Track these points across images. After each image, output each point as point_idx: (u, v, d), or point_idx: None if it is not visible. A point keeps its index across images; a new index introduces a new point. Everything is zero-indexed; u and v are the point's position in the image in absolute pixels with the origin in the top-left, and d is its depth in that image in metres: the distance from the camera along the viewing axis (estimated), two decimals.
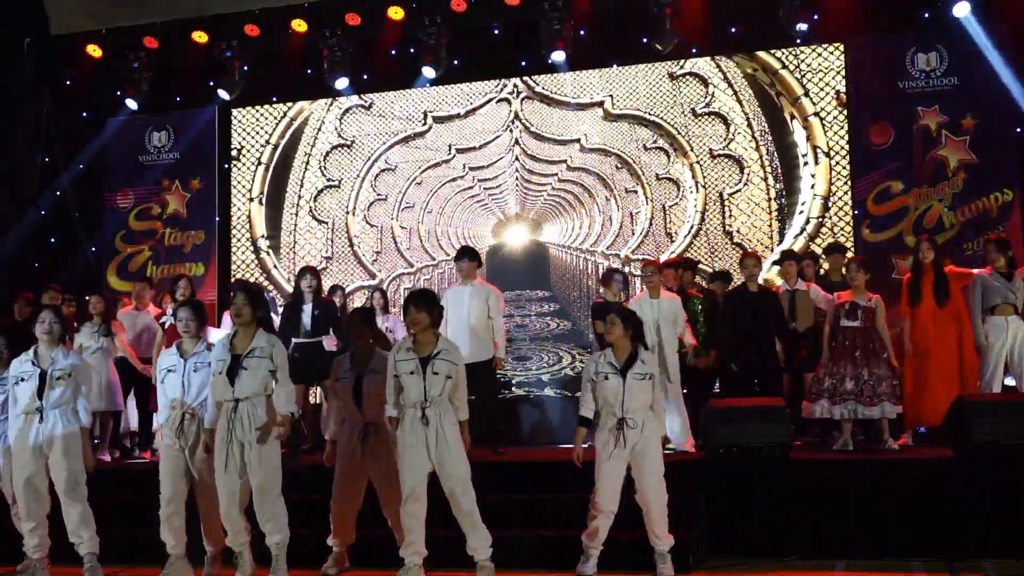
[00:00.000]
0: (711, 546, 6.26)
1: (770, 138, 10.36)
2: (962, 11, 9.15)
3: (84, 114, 11.73)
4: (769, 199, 10.29)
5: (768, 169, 10.37)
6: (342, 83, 10.67)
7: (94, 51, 11.05)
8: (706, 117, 10.55)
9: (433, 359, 5.45)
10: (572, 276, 10.64)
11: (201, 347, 5.80)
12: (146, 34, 10.80)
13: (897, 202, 9.49)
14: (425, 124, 11.27)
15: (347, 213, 11.42)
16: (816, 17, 9.61)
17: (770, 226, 10.19)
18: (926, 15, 9.59)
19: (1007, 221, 9.13)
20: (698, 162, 10.51)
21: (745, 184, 10.33)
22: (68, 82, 11.46)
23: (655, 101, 10.73)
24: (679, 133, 10.64)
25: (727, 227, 10.35)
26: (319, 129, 11.56)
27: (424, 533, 5.44)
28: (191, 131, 11.57)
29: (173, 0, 10.64)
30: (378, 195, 11.40)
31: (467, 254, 8.00)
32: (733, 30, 10.21)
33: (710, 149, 10.49)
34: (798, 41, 9.82)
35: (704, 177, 10.52)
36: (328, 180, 11.46)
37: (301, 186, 11.53)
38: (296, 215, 11.50)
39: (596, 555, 5.63)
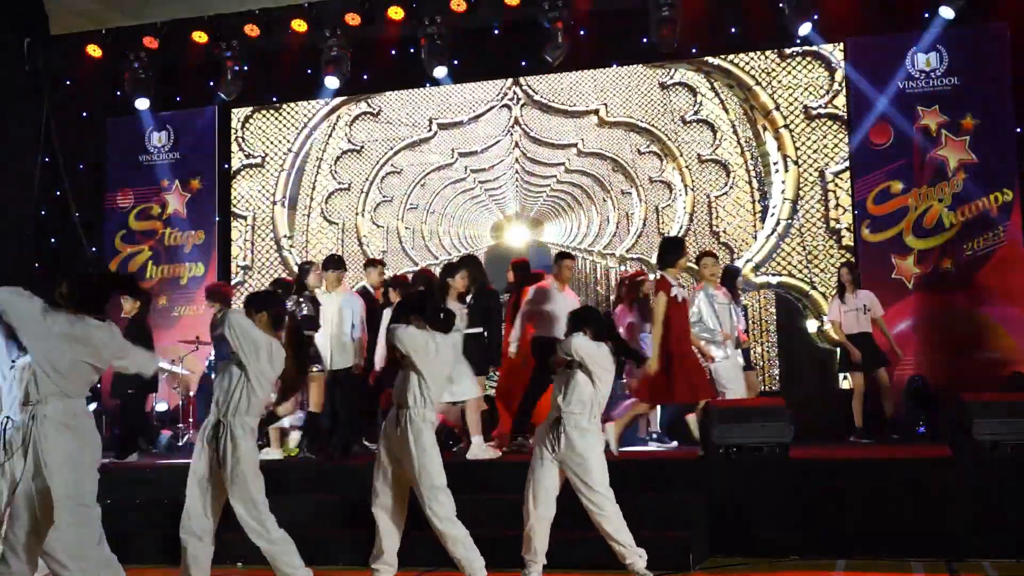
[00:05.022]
0: (711, 546, 6.26)
1: (754, 144, 9.82)
2: (948, 14, 9.15)
3: (84, 114, 11.73)
4: (753, 201, 9.85)
5: (752, 173, 9.71)
6: (333, 82, 10.52)
7: (94, 51, 11.04)
8: (695, 124, 10.14)
9: None
10: (575, 277, 10.51)
11: None
12: (146, 34, 10.79)
13: (897, 202, 9.48)
14: (430, 131, 11.05)
15: (356, 215, 11.17)
16: (816, 17, 9.61)
17: (754, 227, 9.91)
18: (926, 15, 9.59)
19: (1007, 221, 9.13)
20: (687, 166, 10.16)
21: (731, 187, 10.01)
22: (68, 82, 11.46)
23: (647, 109, 10.31)
24: (669, 139, 10.13)
25: (714, 228, 10.04)
26: (329, 135, 11.35)
27: (398, 548, 5.17)
28: (191, 131, 11.58)
29: (173, 0, 10.64)
30: (339, 185, 11.14)
31: (334, 263, 8.11)
32: (733, 30, 10.20)
33: (698, 154, 10.11)
34: (798, 41, 9.81)
35: (692, 180, 10.08)
36: (339, 184, 11.30)
37: (313, 188, 11.38)
38: (308, 216, 11.31)
39: (539, 570, 5.30)
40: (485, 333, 7.72)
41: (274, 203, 11.29)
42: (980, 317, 9.10)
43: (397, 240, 11.00)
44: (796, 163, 9.52)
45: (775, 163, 9.53)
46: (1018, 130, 9.24)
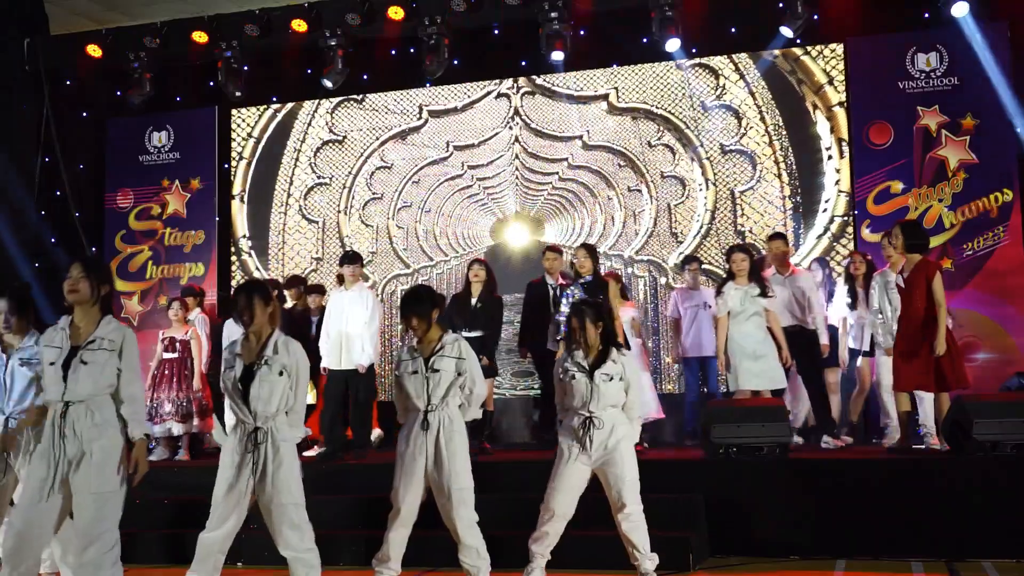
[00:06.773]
0: (711, 546, 6.27)
1: (784, 132, 9.25)
2: (960, 11, 9.13)
3: (84, 114, 11.73)
4: (783, 196, 9.39)
5: (783, 165, 9.06)
6: (335, 82, 10.46)
7: (94, 51, 11.03)
8: (717, 110, 9.69)
9: (434, 356, 5.04)
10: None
11: (29, 342, 5.15)
12: (146, 34, 10.79)
13: (897, 202, 9.47)
14: (421, 119, 10.78)
15: (338, 212, 10.88)
16: (816, 17, 9.60)
17: (784, 225, 9.47)
18: (926, 15, 9.58)
19: (1007, 221, 9.14)
20: (708, 158, 9.77)
21: (758, 181, 9.60)
22: (68, 82, 11.46)
23: (663, 94, 9.85)
24: (688, 127, 9.64)
25: (739, 226, 9.65)
26: (308, 124, 11.03)
27: (403, 553, 5.13)
28: (191, 131, 11.56)
29: (173, 0, 10.63)
30: (374, 194, 10.91)
31: (353, 259, 8.08)
32: (733, 30, 10.19)
33: (721, 144, 9.70)
34: (798, 41, 9.79)
35: (715, 174, 9.61)
36: (319, 177, 11.02)
37: (290, 183, 11.08)
38: (285, 214, 11.07)
39: (543, 564, 5.29)
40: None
41: (232, 197, 10.94)
42: (980, 317, 9.10)
43: (388, 240, 10.77)
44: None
45: (827, 148, 8.58)
46: (1018, 130, 9.23)
